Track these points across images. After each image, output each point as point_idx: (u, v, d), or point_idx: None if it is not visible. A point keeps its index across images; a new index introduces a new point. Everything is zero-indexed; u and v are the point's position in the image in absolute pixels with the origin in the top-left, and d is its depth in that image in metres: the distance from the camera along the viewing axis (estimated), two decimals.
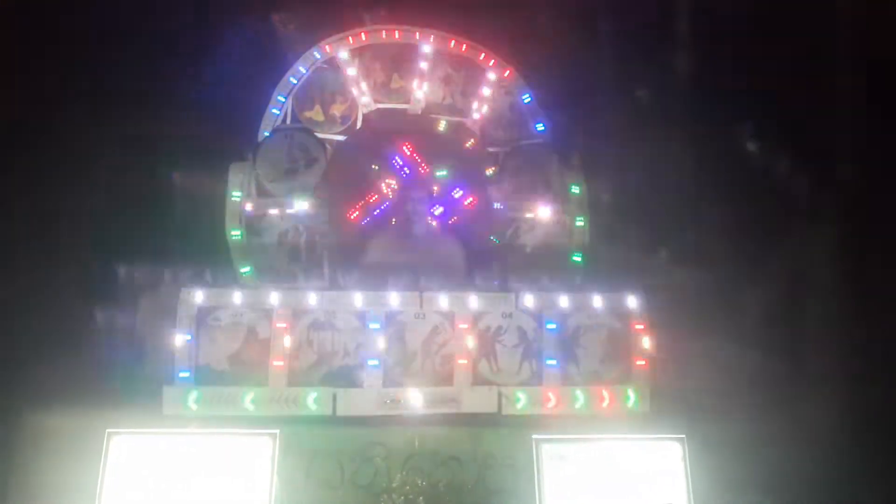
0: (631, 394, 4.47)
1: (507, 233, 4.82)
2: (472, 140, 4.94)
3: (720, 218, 4.83)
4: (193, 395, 4.18)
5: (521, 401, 4.39)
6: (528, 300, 4.51)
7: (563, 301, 4.53)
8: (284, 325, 4.29)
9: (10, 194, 4.16)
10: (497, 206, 4.85)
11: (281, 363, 4.25)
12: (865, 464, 4.22)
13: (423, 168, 4.86)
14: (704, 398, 4.37)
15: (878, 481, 4.17)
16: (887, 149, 4.64)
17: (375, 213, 4.75)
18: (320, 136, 4.85)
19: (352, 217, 4.72)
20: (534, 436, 4.19)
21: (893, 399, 4.36)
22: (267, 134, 4.78)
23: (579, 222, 4.87)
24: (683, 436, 4.28)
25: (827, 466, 4.23)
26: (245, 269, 4.51)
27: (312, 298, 4.36)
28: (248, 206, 4.60)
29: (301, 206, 4.63)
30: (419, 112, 4.97)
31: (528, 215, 4.87)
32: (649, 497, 4.05)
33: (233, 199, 4.57)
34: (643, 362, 4.51)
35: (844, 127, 4.77)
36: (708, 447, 4.24)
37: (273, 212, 4.62)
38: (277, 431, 4.07)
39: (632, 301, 4.58)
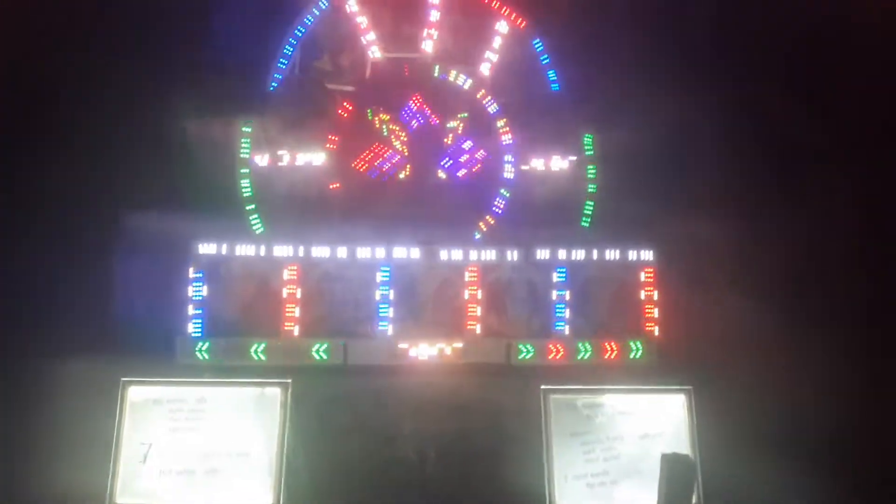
0: (639, 345, 4.52)
1: (518, 186, 4.78)
2: (483, 91, 4.86)
3: (733, 170, 4.76)
4: (206, 345, 4.27)
5: (529, 352, 4.45)
6: (538, 253, 4.52)
7: (573, 254, 4.54)
8: (295, 276, 4.34)
9: (23, 149, 4.18)
10: (507, 158, 4.80)
11: (292, 314, 4.31)
12: (875, 415, 4.25)
13: (432, 119, 4.81)
14: (712, 350, 4.39)
15: (887, 432, 4.21)
16: None
17: (385, 166, 4.71)
18: (329, 86, 4.79)
19: (361, 169, 4.69)
20: (542, 386, 4.25)
21: None
22: (275, 85, 4.73)
23: (591, 174, 4.85)
24: (690, 387, 4.33)
25: (835, 418, 4.27)
26: (256, 222, 4.53)
27: (323, 251, 4.39)
28: (258, 159, 4.60)
29: (311, 158, 4.62)
30: (429, 62, 4.88)
31: (539, 168, 4.84)
32: (656, 446, 4.10)
33: (243, 151, 4.58)
34: (652, 314, 4.54)
35: (862, 73, 4.64)
36: (715, 398, 4.30)
37: (283, 164, 4.61)
38: (290, 381, 4.15)
39: (642, 253, 4.59)
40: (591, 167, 4.85)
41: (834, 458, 4.09)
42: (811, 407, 4.26)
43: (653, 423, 4.27)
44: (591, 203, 4.82)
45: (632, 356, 4.49)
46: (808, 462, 3.99)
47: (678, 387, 4.33)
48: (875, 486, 4.02)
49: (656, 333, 4.52)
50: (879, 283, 4.55)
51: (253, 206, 4.55)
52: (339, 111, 4.72)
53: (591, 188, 4.84)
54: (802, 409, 4.25)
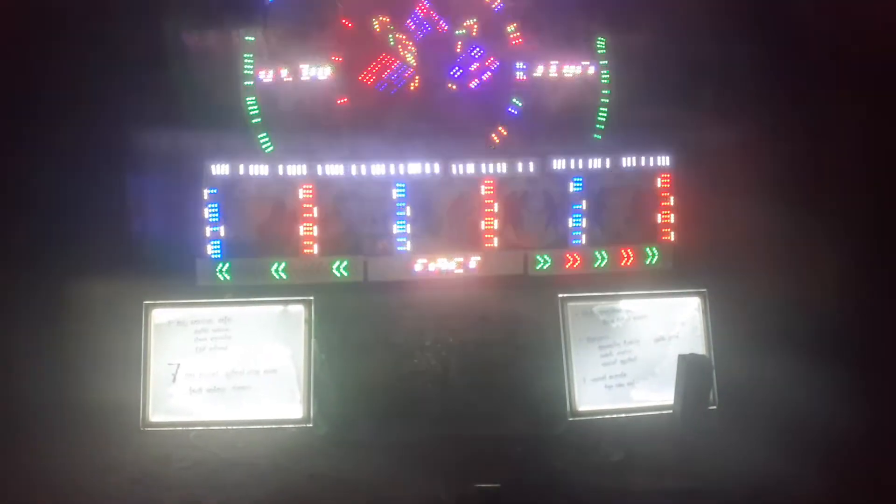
0: (654, 251, 4.56)
1: (531, 93, 4.67)
2: None
3: (746, 76, 4.68)
4: (225, 266, 4.27)
5: (546, 262, 4.49)
6: (554, 164, 4.48)
7: (589, 163, 4.50)
8: (311, 195, 4.29)
9: (35, 76, 4.03)
10: (519, 65, 4.67)
11: (310, 233, 4.30)
12: (884, 316, 4.35)
13: (440, 27, 4.63)
14: (726, 254, 4.45)
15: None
16: None
17: (393, 77, 4.57)
18: None
19: (368, 82, 4.56)
20: (559, 294, 4.31)
21: None
22: None
23: (604, 80, 4.74)
24: (705, 290, 4.41)
25: (843, 318, 4.38)
26: (264, 140, 4.43)
27: (337, 168, 4.33)
28: (263, 75, 4.44)
29: (316, 72, 4.47)
30: None
31: (552, 74, 4.72)
32: (672, 348, 4.22)
33: (246, 67, 4.42)
34: (668, 220, 4.56)
35: None
36: (729, 300, 4.38)
37: (288, 79, 4.47)
38: (312, 298, 4.19)
39: (657, 160, 4.56)
40: (604, 72, 4.73)
41: (844, 354, 4.22)
42: (821, 306, 4.37)
43: (668, 325, 4.37)
44: (605, 110, 4.73)
45: (648, 262, 4.54)
46: (819, 359, 4.11)
47: (693, 290, 4.42)
48: (883, 380, 4.17)
49: (672, 239, 4.55)
50: (887, 190, 4.56)
51: (260, 124, 4.44)
52: (343, 21, 4.53)
53: (605, 93, 4.74)
54: (813, 308, 4.36)
